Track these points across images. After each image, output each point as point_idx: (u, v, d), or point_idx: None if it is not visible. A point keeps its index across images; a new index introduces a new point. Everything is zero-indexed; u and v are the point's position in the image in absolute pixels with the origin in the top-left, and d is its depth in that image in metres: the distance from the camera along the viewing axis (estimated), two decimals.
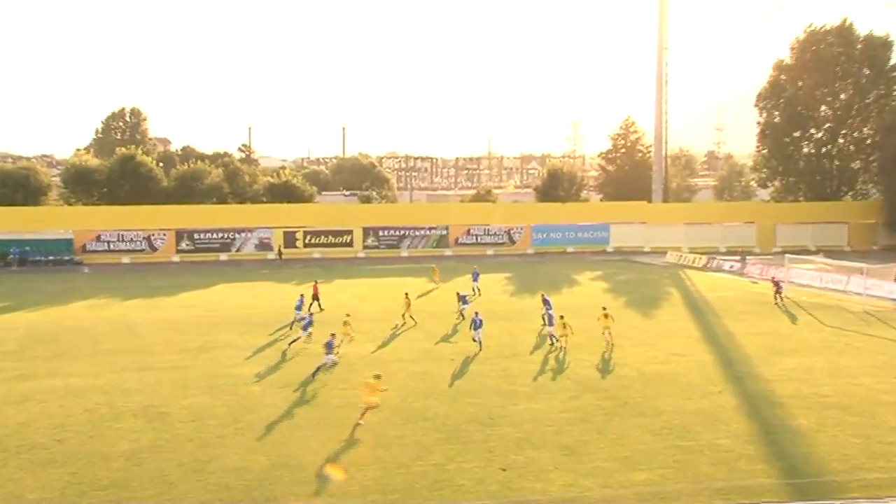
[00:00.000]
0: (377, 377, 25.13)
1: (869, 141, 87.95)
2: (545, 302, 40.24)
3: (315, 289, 45.12)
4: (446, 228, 78.67)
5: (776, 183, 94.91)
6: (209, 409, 26.06)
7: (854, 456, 21.67)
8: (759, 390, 28.44)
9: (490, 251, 78.21)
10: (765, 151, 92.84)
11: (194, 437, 23.24)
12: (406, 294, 40.94)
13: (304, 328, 34.60)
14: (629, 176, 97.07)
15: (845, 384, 28.98)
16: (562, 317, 34.62)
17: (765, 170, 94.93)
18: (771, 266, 60.75)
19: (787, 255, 59.39)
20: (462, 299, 42.37)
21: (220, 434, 23.56)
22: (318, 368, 29.77)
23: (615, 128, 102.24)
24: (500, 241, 79.72)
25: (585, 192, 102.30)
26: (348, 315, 36.71)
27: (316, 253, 74.56)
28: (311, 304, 42.98)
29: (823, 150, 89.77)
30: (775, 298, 47.30)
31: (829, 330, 39.80)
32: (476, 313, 36.49)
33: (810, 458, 21.70)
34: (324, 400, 27.12)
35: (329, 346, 30.09)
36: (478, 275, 51.17)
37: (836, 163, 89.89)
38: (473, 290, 49.38)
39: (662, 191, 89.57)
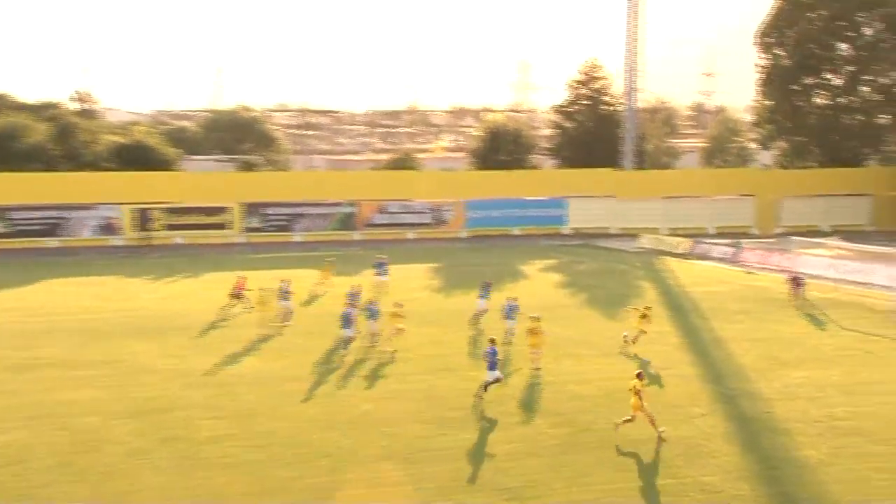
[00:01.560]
0: (639, 377, 26.15)
1: None
2: (485, 288, 41.83)
3: (240, 285, 45.33)
4: (354, 205, 78.48)
5: (782, 143, 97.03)
6: (30, 448, 25.46)
7: (876, 494, 22.30)
8: (757, 412, 29.05)
9: (411, 234, 78.37)
10: (767, 103, 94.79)
11: (9, 487, 22.72)
12: (260, 289, 41.29)
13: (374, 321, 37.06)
14: (593, 136, 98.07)
15: (867, 404, 29.79)
16: (538, 318, 34.89)
17: (767, 126, 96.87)
18: (773, 252, 62.25)
19: (794, 238, 60.96)
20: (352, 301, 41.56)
21: (45, 481, 23.07)
22: (488, 385, 29.79)
23: (575, 73, 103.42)
24: (425, 222, 79.93)
25: (536, 156, 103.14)
26: (398, 304, 38.50)
27: (179, 237, 73.76)
28: (233, 305, 44.95)
29: (842, 100, 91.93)
30: (794, 296, 47.84)
31: (847, 334, 40.94)
32: (372, 302, 38.11)
33: (821, 499, 22.25)
34: (187, 433, 26.78)
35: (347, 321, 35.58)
36: (384, 266, 50.98)
37: (858, 117, 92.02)
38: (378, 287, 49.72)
39: (635, 155, 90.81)
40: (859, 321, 43.65)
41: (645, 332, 36.74)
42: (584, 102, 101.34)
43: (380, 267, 50.95)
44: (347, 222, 78.52)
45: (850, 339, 39.91)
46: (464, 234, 79.72)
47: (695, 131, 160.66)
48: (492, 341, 30.30)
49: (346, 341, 35.92)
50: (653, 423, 25.85)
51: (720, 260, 65.22)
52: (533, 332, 34.19)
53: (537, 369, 33.51)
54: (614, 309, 46.66)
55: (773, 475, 23.66)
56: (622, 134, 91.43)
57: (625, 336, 37.07)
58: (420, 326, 40.71)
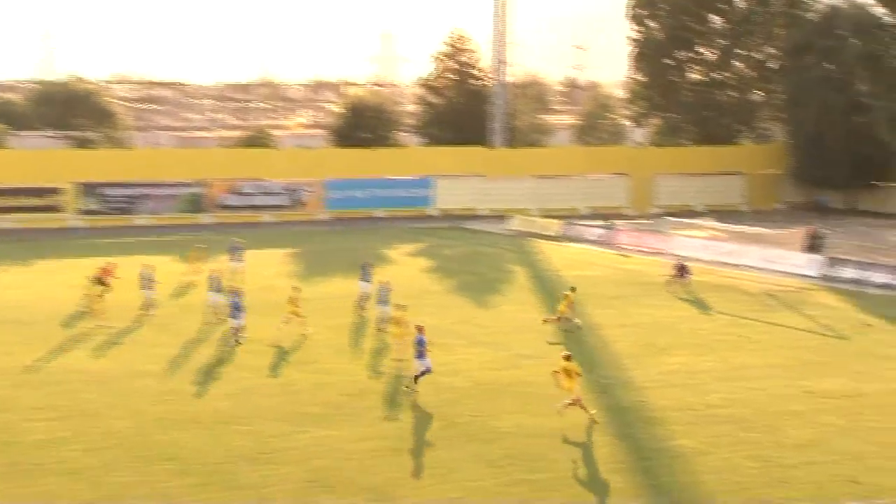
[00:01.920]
0: (568, 358, 26.60)
1: (773, 64, 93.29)
2: (365, 270, 42.88)
3: (107, 270, 43.42)
4: (203, 185, 77.22)
5: (656, 120, 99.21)
6: None
7: (749, 484, 23.01)
8: (630, 401, 29.74)
9: (267, 217, 77.53)
10: (640, 78, 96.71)
11: None
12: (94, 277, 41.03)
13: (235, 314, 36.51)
14: (461, 112, 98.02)
15: (741, 390, 30.77)
16: (403, 308, 34.85)
17: (640, 102, 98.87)
18: (647, 233, 63.72)
19: (668, 219, 62.55)
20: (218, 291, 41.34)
21: None
22: (417, 377, 29.93)
23: (441, 45, 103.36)
24: (281, 204, 79.20)
25: (401, 133, 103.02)
26: (296, 288, 38.57)
27: (6, 222, 71.43)
28: (99, 293, 41.49)
29: (716, 76, 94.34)
30: (678, 285, 47.89)
31: (722, 318, 42.28)
32: (235, 293, 37.55)
33: (695, 489, 22.84)
34: (16, 436, 25.98)
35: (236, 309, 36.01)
36: (239, 250, 50.16)
37: (732, 94, 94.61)
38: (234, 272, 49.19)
39: (505, 132, 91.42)
40: (733, 304, 45.05)
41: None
42: (451, 76, 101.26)
43: (234, 252, 50.15)
44: (196, 204, 77.18)
45: (724, 323, 41.21)
46: (324, 217, 79.26)
47: (567, 107, 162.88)
48: (419, 328, 30.41)
49: (236, 331, 36.25)
50: (580, 406, 26.53)
51: (593, 242, 66.37)
52: (396, 321, 34.24)
53: (400, 360, 33.53)
54: (484, 295, 47.13)
55: (647, 466, 24.23)
56: (491, 110, 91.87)
57: (559, 319, 38.39)
58: (276, 316, 40.32)
